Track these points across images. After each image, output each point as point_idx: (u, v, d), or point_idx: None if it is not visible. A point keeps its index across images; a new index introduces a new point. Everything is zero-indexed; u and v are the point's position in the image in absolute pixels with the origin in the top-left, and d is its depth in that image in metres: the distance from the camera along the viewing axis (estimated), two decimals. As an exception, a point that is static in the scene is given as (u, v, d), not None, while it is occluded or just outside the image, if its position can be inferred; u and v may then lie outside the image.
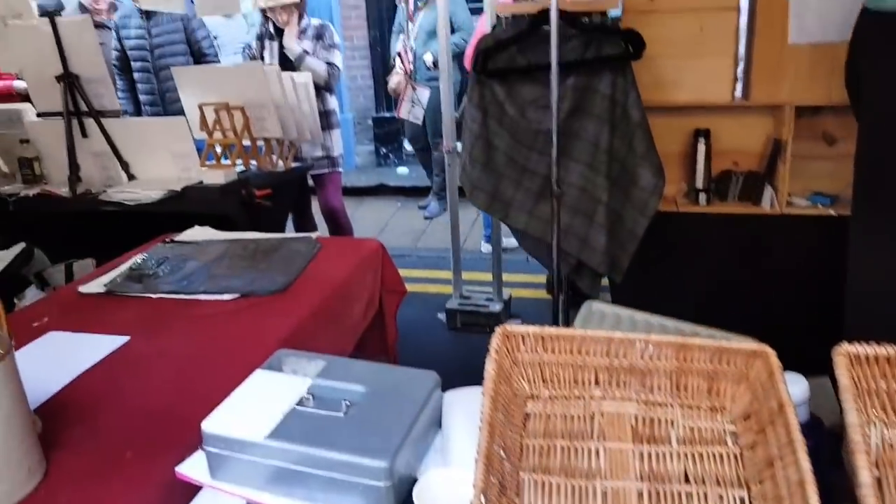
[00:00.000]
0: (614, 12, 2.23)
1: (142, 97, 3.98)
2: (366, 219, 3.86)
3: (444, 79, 3.02)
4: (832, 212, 2.25)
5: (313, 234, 2.36)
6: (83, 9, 4.12)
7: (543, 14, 1.99)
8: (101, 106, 2.91)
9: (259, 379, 1.17)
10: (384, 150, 6.37)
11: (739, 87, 2.29)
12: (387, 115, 6.15)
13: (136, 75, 3.96)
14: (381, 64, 6.25)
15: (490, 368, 0.90)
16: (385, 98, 6.20)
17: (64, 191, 2.91)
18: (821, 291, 1.97)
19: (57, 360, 1.50)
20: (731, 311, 2.06)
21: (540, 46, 2.05)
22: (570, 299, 2.43)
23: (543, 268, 3.54)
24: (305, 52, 3.33)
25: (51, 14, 2.81)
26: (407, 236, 4.75)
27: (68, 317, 1.77)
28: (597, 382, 0.98)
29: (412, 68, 4.59)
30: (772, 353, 0.88)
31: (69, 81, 2.86)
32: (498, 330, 0.98)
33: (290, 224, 3.51)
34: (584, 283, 2.32)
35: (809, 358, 1.04)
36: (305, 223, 3.61)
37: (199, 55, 3.94)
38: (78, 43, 2.81)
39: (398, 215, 5.26)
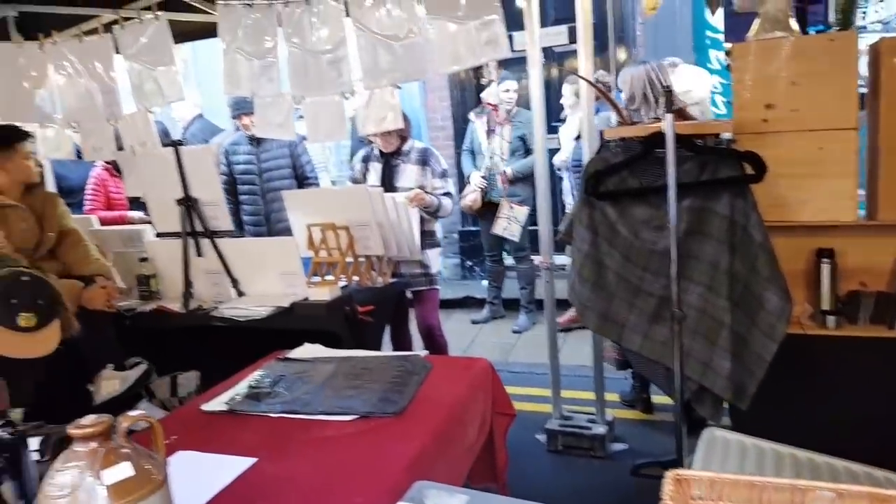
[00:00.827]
0: (727, 134, 2.27)
1: (246, 218, 4.24)
2: (454, 331, 3.88)
3: (541, 196, 3.09)
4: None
5: (421, 353, 2.39)
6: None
7: (656, 137, 2.05)
8: (216, 227, 3.12)
9: (406, 513, 1.16)
10: (469, 263, 6.49)
11: (863, 205, 2.25)
12: (472, 228, 6.30)
13: (243, 197, 4.24)
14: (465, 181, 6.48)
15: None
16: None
17: (177, 306, 3.08)
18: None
19: (190, 482, 1.53)
20: (863, 442, 1.93)
21: (652, 168, 2.09)
22: (683, 421, 2.33)
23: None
24: (437, 197, 3.47)
25: (175, 144, 3.09)
26: (496, 350, 4.73)
27: (193, 435, 1.82)
28: (780, 533, 0.93)
29: (488, 186, 4.79)
30: None
31: (188, 204, 3.09)
32: (669, 475, 0.95)
33: (385, 337, 3.56)
34: (705, 409, 2.23)
35: None
36: (402, 338, 3.66)
37: (301, 178, 4.20)
38: (198, 170, 3.06)
39: (485, 329, 5.26)
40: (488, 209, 4.89)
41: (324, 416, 1.87)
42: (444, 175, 3.60)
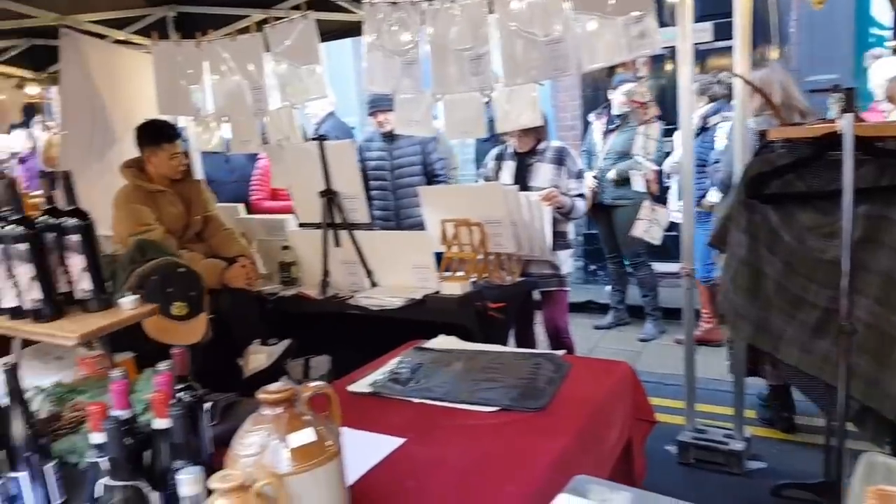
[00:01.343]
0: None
1: (375, 212, 4.37)
2: (576, 335, 3.81)
3: (687, 196, 3.00)
4: None
5: (559, 353, 2.38)
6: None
7: (829, 138, 1.93)
8: (354, 219, 3.24)
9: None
10: (592, 267, 6.39)
11: None
12: (595, 231, 6.19)
13: (373, 192, 4.37)
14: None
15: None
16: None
17: (315, 293, 3.23)
18: None
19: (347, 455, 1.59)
20: None
21: (823, 172, 1.98)
22: (843, 441, 2.18)
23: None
24: (571, 198, 3.46)
25: (320, 139, 3.24)
26: (620, 357, 4.59)
27: (344, 414, 1.89)
28: None
29: (599, 187, 4.72)
30: None
31: (330, 197, 3.23)
32: (871, 491, 0.90)
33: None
34: (867, 431, 2.09)
35: None
36: (527, 338, 3.65)
37: (431, 175, 4.27)
38: (339, 164, 3.20)
39: (609, 335, 5.16)
40: (600, 210, 4.87)
41: (465, 405, 1.90)
42: (579, 176, 3.56)
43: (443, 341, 2.53)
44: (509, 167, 3.65)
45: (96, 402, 1.21)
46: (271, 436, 1.13)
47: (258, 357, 2.67)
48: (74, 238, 1.70)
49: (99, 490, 1.16)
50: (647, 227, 3.16)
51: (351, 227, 3.23)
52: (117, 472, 1.14)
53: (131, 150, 3.17)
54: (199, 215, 3.25)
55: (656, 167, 4.39)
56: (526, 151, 3.58)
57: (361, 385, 2.10)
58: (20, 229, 1.65)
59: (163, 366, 1.39)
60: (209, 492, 1.04)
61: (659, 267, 5.08)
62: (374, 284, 3.23)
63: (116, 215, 3.02)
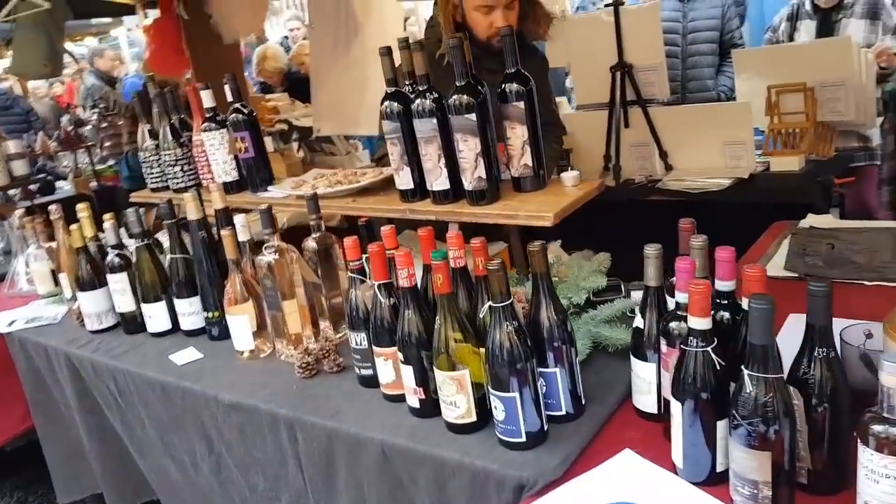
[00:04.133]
0: None
1: None
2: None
3: None
4: None
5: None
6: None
7: None
8: (651, 94, 2.97)
9: None
10: None
11: None
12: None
13: (661, 59, 3.90)
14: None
15: None
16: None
17: (605, 181, 3.02)
18: None
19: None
20: None
21: None
22: None
23: None
24: None
25: (616, 3, 2.93)
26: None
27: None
28: None
29: None
30: None
31: (623, 71, 2.96)
32: None
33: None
34: None
35: None
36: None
37: (727, 45, 3.70)
38: (639, 32, 2.90)
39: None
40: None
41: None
42: (895, 32, 3.09)
43: (814, 220, 2.27)
44: (808, 27, 3.23)
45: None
46: None
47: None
48: (518, 105, 1.56)
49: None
50: None
51: (645, 102, 2.97)
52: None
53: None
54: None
55: None
56: (831, 6, 3.14)
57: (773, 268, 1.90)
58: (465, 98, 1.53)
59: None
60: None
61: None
62: (668, 168, 2.99)
63: None
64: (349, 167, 3.72)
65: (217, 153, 2.16)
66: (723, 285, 1.20)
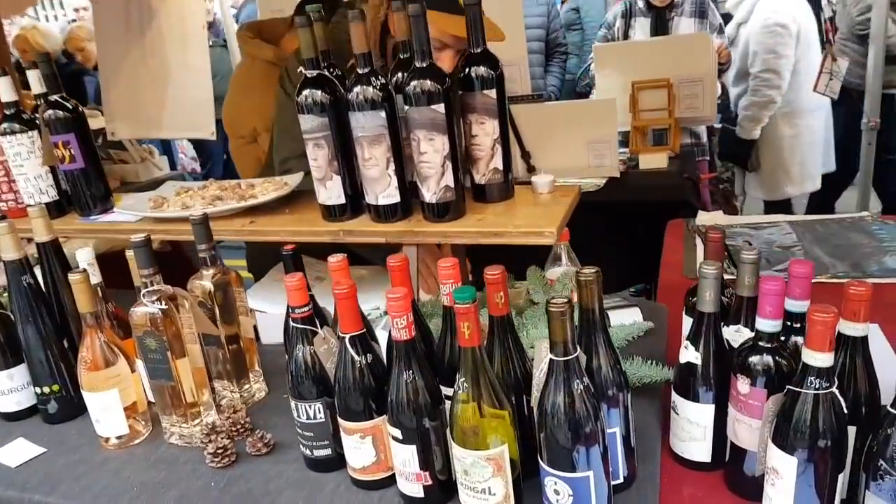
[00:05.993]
0: None
1: None
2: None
3: None
4: None
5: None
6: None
7: None
8: (512, 91, 2.83)
9: None
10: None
11: None
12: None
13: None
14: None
15: None
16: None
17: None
18: None
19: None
20: None
21: None
22: None
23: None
24: None
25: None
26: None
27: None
28: None
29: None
30: None
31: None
32: None
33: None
34: None
35: None
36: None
37: (553, 45, 3.74)
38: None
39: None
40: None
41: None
42: (720, 31, 3.29)
43: (709, 217, 2.27)
44: (643, 25, 3.31)
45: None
46: None
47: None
48: (489, 94, 1.27)
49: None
50: (828, 81, 2.95)
51: (508, 100, 2.81)
52: None
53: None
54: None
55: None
56: (664, 5, 3.25)
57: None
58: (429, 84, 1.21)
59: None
60: None
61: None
62: (530, 169, 2.87)
63: None
64: (145, 176, 3.15)
65: (25, 165, 1.58)
66: (795, 305, 1.03)
